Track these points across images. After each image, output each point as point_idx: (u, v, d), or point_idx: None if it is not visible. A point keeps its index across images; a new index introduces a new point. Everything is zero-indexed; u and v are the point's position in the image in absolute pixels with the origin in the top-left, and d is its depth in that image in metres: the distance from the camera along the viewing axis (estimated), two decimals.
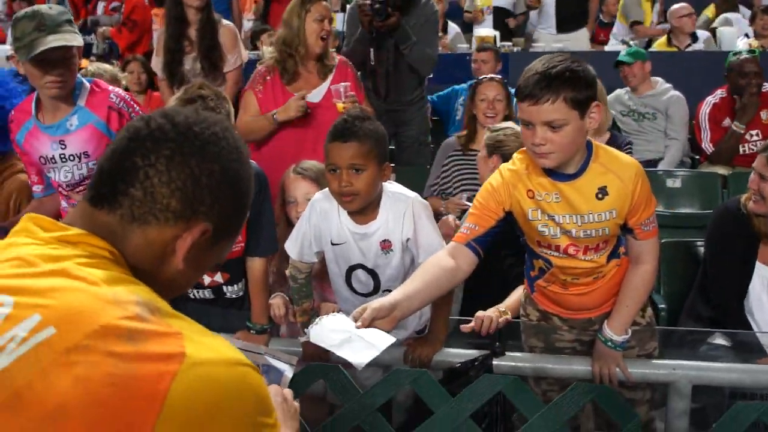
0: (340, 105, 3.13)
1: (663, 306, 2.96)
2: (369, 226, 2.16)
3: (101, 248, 0.96)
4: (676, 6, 5.94)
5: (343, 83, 3.16)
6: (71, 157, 2.57)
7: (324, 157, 2.12)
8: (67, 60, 2.44)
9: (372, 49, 3.81)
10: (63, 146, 2.56)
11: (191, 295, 2.48)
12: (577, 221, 1.93)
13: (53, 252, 0.94)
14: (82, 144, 2.56)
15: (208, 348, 0.89)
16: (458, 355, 2.17)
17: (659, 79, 4.69)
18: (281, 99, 3.26)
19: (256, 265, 2.37)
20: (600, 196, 1.91)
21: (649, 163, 4.41)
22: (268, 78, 3.31)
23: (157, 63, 4.00)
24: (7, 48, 6.08)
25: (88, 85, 2.60)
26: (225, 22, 4.04)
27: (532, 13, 6.81)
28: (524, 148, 1.97)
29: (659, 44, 6.05)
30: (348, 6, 4.45)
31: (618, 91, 4.72)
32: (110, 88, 2.68)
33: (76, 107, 2.55)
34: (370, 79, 3.92)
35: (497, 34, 5.83)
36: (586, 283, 2.07)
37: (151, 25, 7.11)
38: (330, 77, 3.30)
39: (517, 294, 2.32)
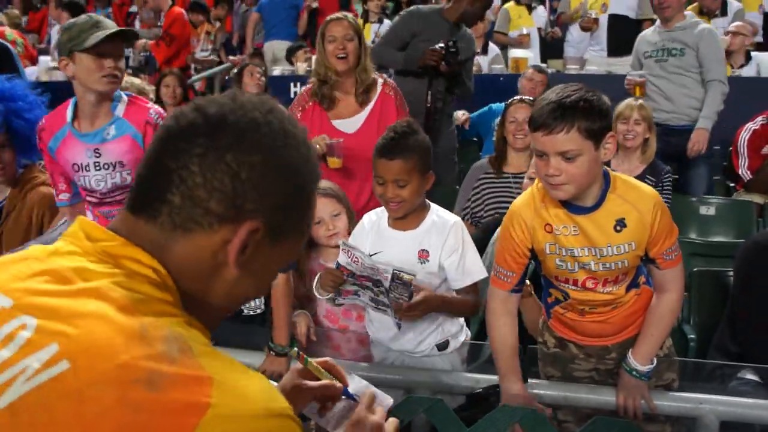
0: (333, 161, 3.10)
1: (692, 336, 2.88)
2: (409, 233, 2.26)
3: (146, 265, 0.88)
4: (738, 23, 5.83)
5: (336, 140, 3.11)
6: (105, 166, 2.63)
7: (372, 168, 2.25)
8: (119, 55, 2.57)
9: (430, 91, 4.00)
10: (98, 154, 2.63)
11: None
12: (596, 254, 1.91)
13: (92, 266, 0.86)
14: (118, 154, 2.63)
15: (239, 396, 0.79)
16: (480, 380, 2.15)
17: (690, 12, 4.45)
18: (320, 125, 3.22)
19: (277, 281, 2.37)
20: (618, 228, 1.88)
21: (673, 132, 4.14)
22: (309, 104, 3.28)
23: None
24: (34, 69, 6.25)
25: (126, 98, 2.69)
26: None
27: (578, 35, 6.76)
28: (537, 185, 1.96)
29: None
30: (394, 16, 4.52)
31: (646, 30, 4.47)
32: (149, 104, 2.77)
33: (114, 117, 2.64)
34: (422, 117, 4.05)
35: (532, 55, 5.80)
36: (604, 312, 2.04)
37: (189, 40, 7.24)
38: (370, 105, 3.25)
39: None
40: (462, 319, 2.43)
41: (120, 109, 2.65)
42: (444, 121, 4.19)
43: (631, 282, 2.01)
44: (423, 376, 2.17)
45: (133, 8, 9.64)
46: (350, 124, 3.24)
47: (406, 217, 2.26)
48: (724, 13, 6.39)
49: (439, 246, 2.22)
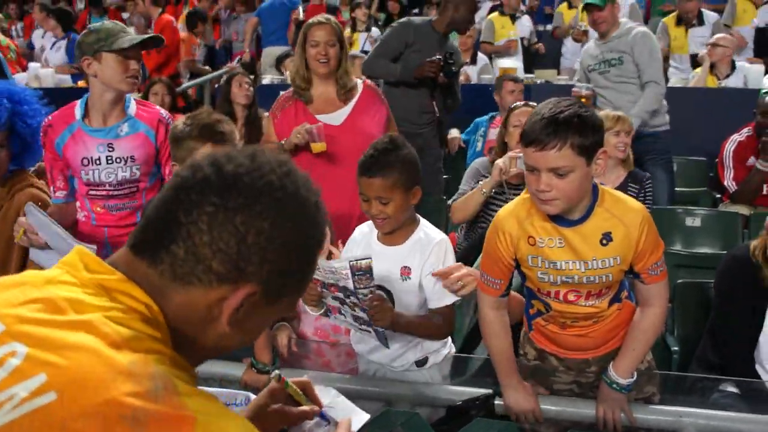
0: (317, 146, 3.12)
1: (676, 348, 2.89)
2: (395, 248, 2.23)
3: (140, 302, 0.89)
4: (719, 35, 5.88)
5: (315, 125, 3.14)
6: (118, 160, 2.78)
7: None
8: (140, 59, 2.79)
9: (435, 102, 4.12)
10: (111, 149, 2.78)
11: None
12: (581, 267, 1.90)
13: (86, 298, 0.87)
14: (131, 148, 2.79)
15: None
16: (460, 392, 2.14)
17: (625, 19, 4.48)
18: (303, 120, 3.25)
19: None
20: (604, 242, 1.88)
21: None
22: (289, 104, 3.32)
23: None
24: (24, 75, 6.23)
25: (133, 100, 2.89)
26: (266, 114, 4.21)
27: (572, 47, 6.81)
28: (524, 195, 1.95)
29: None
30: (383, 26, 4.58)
31: (588, 44, 4.52)
32: (156, 107, 2.98)
33: (127, 116, 2.81)
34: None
35: (519, 64, 5.83)
36: (585, 325, 2.04)
37: (178, 48, 7.24)
38: (354, 101, 3.31)
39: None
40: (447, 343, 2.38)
41: (132, 109, 2.82)
42: (428, 135, 4.20)
43: (614, 296, 2.01)
44: (403, 389, 2.16)
45: (125, 14, 9.67)
46: (335, 117, 3.27)
47: (394, 232, 2.23)
48: (701, 22, 6.51)
49: (421, 264, 2.20)
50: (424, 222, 2.29)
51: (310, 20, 3.34)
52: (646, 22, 8.28)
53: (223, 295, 0.91)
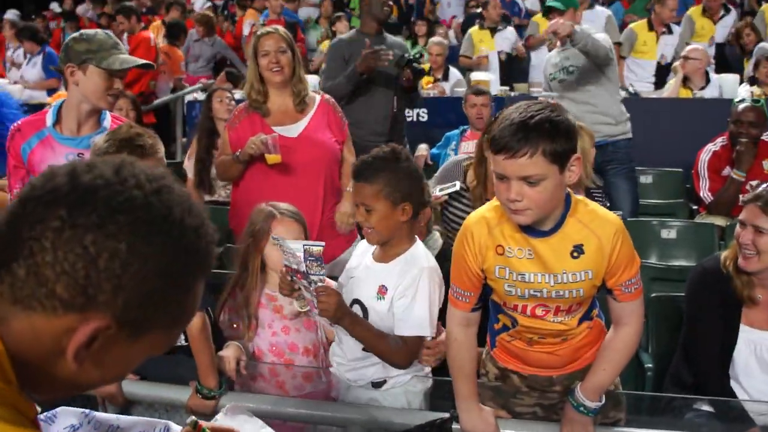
0: (271, 157, 3.04)
1: (650, 365, 2.77)
2: (380, 265, 2.17)
3: None
4: (690, 48, 5.86)
5: (271, 135, 3.06)
6: None
7: None
8: (124, 77, 2.70)
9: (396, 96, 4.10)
10: (81, 157, 2.64)
11: None
12: (550, 281, 1.78)
13: None
14: None
15: None
16: (416, 416, 2.02)
17: (587, 26, 4.38)
18: (262, 132, 3.17)
19: (192, 322, 2.23)
20: (575, 254, 1.76)
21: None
22: (245, 116, 3.26)
23: (189, 166, 4.54)
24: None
25: (110, 114, 2.79)
26: None
27: (537, 60, 6.76)
28: (496, 201, 1.82)
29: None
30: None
31: (550, 53, 4.41)
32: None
33: (101, 128, 2.70)
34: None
35: (494, 77, 5.75)
36: (553, 342, 1.92)
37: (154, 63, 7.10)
38: (311, 113, 3.23)
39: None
40: None
41: (108, 122, 2.73)
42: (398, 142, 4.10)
43: (584, 314, 1.89)
44: (355, 413, 2.04)
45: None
46: (292, 129, 3.20)
47: (384, 248, 2.15)
48: (670, 31, 6.64)
49: (396, 285, 2.11)
50: (419, 245, 2.20)
51: (258, 32, 3.30)
52: None
53: (71, 326, 0.78)
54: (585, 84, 4.18)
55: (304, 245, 2.02)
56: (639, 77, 6.56)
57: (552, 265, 1.77)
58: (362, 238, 2.28)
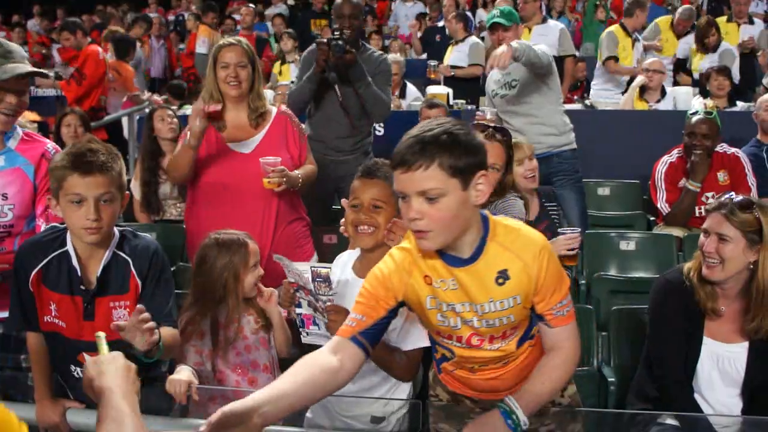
0: (265, 181, 2.95)
1: (612, 379, 2.73)
2: (360, 281, 2.04)
3: None
4: (650, 60, 5.90)
5: (271, 157, 2.98)
6: None
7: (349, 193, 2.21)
8: (23, 93, 2.43)
9: (336, 85, 3.83)
10: None
11: (75, 375, 2.24)
12: (477, 311, 1.70)
13: None
14: (3, 185, 2.46)
15: None
16: None
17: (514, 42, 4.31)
18: (216, 147, 3.13)
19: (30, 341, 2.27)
20: (500, 281, 1.67)
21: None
22: None
23: (135, 187, 4.29)
24: None
25: (21, 132, 2.55)
26: None
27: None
28: None
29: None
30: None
31: (493, 70, 4.33)
32: (46, 140, 2.64)
33: (6, 149, 2.48)
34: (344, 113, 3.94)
35: (450, 91, 5.72)
36: (495, 368, 1.83)
37: (102, 79, 6.93)
38: (266, 128, 3.15)
39: None
40: (408, 392, 2.21)
41: (13, 142, 2.50)
42: (353, 163, 4.00)
43: (522, 335, 1.80)
44: None
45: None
46: (246, 145, 3.12)
47: (364, 262, 2.12)
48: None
49: None
50: None
51: (220, 42, 3.22)
52: (577, 48, 8.36)
53: None
54: (527, 96, 4.17)
55: (311, 267, 2.06)
56: (620, 84, 6.54)
57: (475, 295, 1.68)
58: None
